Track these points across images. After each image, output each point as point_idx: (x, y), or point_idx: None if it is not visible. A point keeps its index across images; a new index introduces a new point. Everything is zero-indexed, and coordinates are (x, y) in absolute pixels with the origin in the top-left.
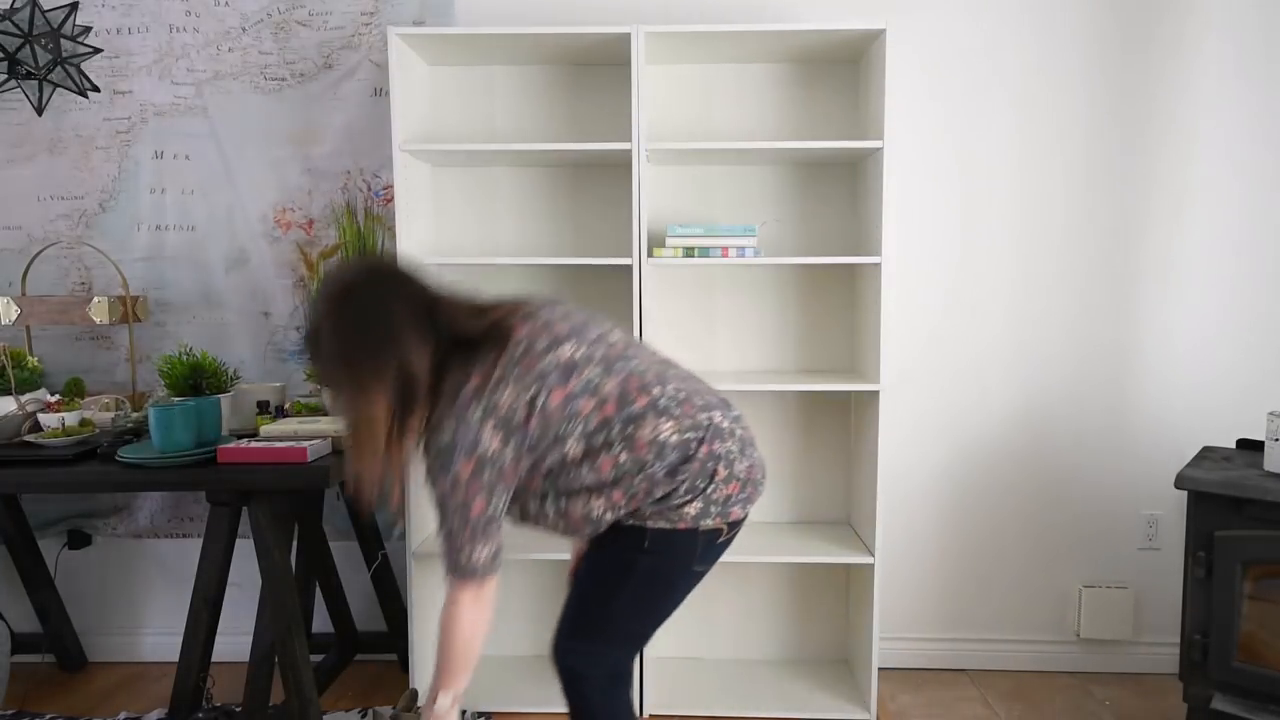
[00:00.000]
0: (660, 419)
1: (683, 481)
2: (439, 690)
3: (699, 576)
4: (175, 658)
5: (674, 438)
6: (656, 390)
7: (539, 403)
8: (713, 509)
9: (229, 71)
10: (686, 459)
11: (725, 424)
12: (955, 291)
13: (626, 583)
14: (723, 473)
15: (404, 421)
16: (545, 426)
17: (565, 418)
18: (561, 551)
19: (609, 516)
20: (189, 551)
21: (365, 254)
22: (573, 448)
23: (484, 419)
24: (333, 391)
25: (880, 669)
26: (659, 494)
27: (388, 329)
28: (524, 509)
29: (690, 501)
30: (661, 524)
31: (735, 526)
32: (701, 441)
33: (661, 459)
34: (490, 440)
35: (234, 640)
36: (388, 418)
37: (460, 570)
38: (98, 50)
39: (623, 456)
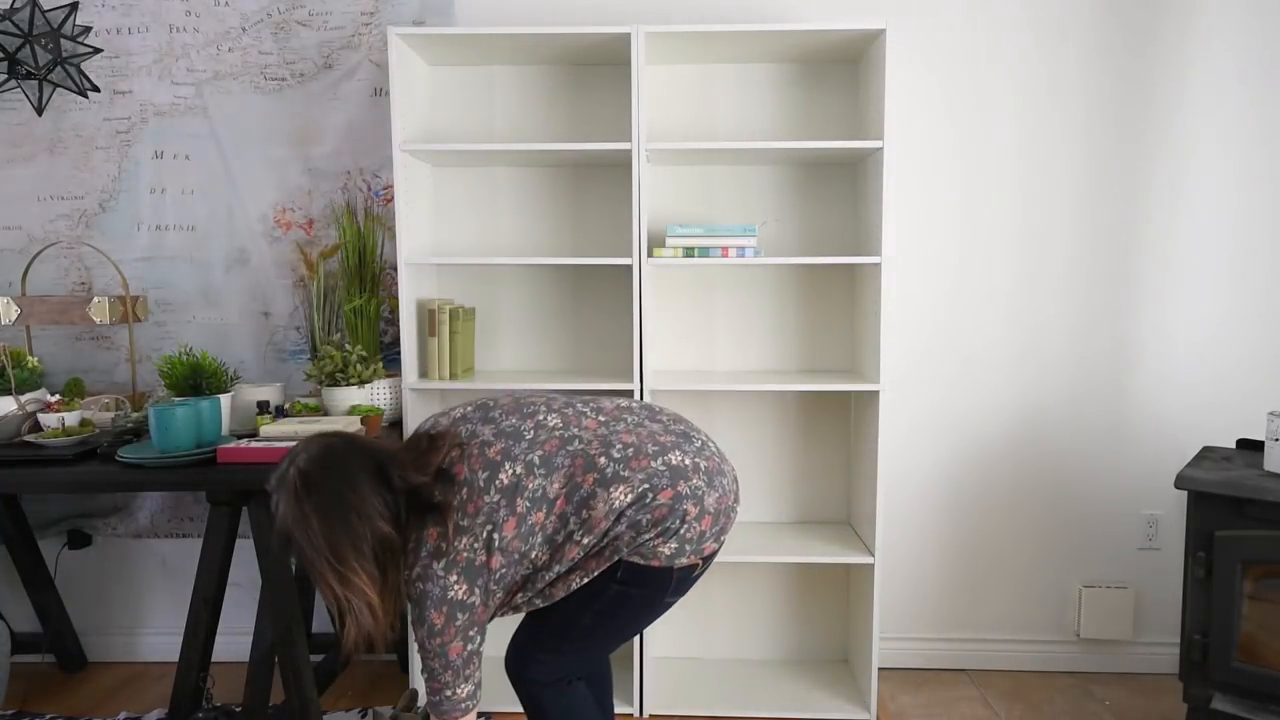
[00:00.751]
0: (610, 488)
1: (652, 527)
2: None
3: (669, 606)
4: (175, 658)
5: (629, 498)
6: (602, 461)
7: (495, 540)
8: (687, 547)
9: (229, 71)
10: (646, 508)
11: (686, 461)
12: (955, 291)
13: (594, 606)
14: (693, 510)
15: (388, 581)
16: (507, 556)
17: (523, 538)
18: None
19: (583, 583)
20: (189, 551)
21: (308, 439)
22: (539, 556)
23: (447, 570)
24: (318, 578)
25: (880, 669)
26: (631, 542)
27: (355, 509)
28: (511, 607)
29: (665, 541)
30: (635, 559)
31: (709, 560)
32: (660, 490)
33: (621, 521)
34: (458, 588)
35: (234, 640)
36: (375, 585)
37: (444, 707)
38: (98, 50)
39: (585, 539)
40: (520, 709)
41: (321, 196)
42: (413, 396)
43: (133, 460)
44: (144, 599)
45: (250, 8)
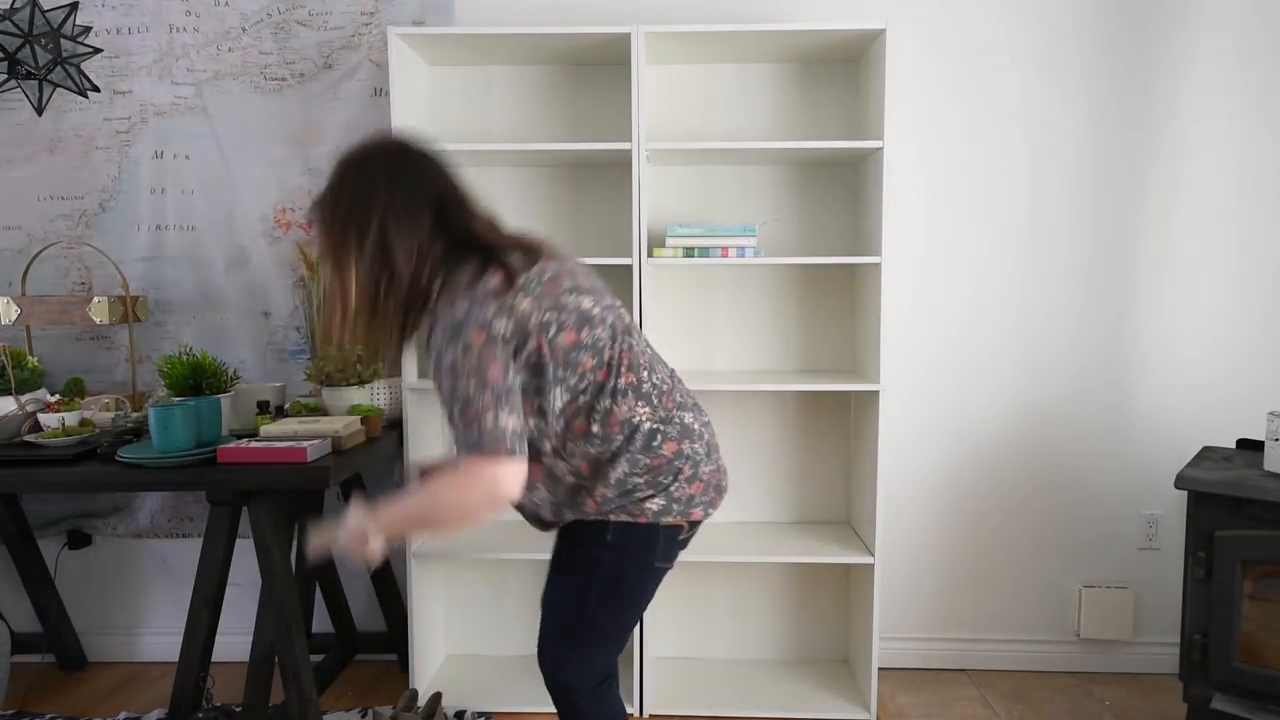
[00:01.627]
0: (639, 402)
1: (645, 474)
2: (380, 522)
3: (661, 574)
4: (175, 658)
5: (646, 425)
6: (644, 374)
7: (550, 333)
8: (675, 506)
9: (229, 71)
10: (650, 450)
11: (695, 426)
12: (955, 291)
13: (594, 584)
14: (688, 472)
15: (377, 307)
16: (545, 362)
17: (565, 364)
18: None
19: (569, 480)
20: (189, 551)
21: (392, 132)
22: (558, 399)
23: (499, 314)
24: (320, 249)
25: (880, 669)
26: (616, 477)
27: (376, 203)
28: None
29: (652, 497)
30: (623, 518)
31: (695, 526)
32: (670, 438)
33: (630, 444)
34: (505, 327)
35: (234, 640)
36: (362, 295)
37: (484, 439)
38: (98, 50)
39: (595, 428)
40: (520, 709)
41: None
42: (413, 396)
43: (133, 460)
44: (144, 599)
45: (250, 8)
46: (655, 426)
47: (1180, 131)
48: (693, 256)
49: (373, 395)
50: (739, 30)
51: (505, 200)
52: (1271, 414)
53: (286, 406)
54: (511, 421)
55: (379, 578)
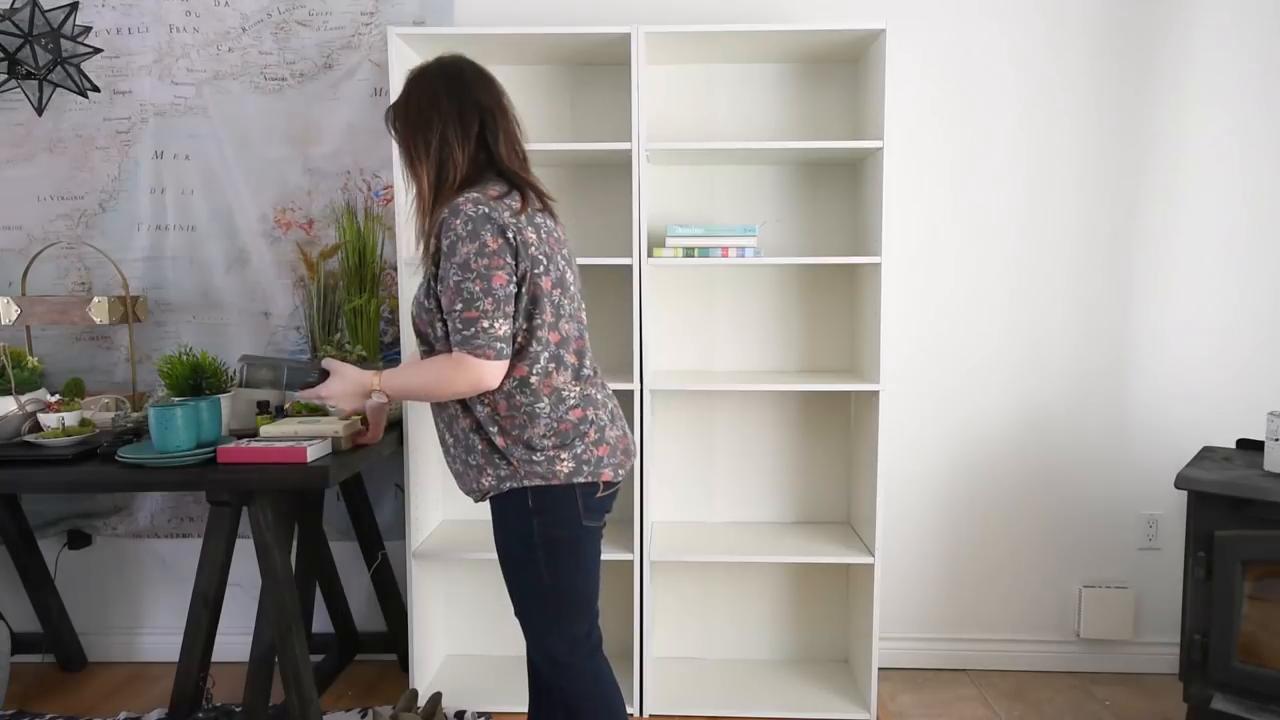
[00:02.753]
0: (572, 381)
1: (553, 435)
2: (382, 380)
3: (596, 533)
4: (175, 658)
5: (565, 395)
6: (585, 362)
7: (537, 269)
8: (584, 468)
9: (229, 71)
10: (560, 416)
11: (598, 396)
12: (955, 291)
13: (535, 554)
14: (593, 435)
15: (441, 195)
16: (523, 288)
17: (534, 299)
18: None
19: (480, 411)
20: (189, 551)
21: (457, 56)
22: (516, 320)
23: (513, 228)
24: (398, 152)
25: (880, 669)
26: (526, 436)
27: (436, 114)
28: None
29: (560, 459)
30: (537, 482)
31: (610, 487)
32: (575, 406)
33: (553, 409)
34: (514, 240)
35: (234, 640)
36: (430, 187)
37: (478, 339)
38: (98, 50)
39: (533, 379)
40: (520, 709)
41: (321, 196)
42: None
43: (133, 460)
44: (144, 599)
45: (250, 8)
46: (568, 395)
47: (1180, 130)
48: (693, 256)
49: (373, 395)
50: (739, 30)
51: None
52: (1271, 414)
53: (286, 406)
54: (504, 328)
55: (379, 578)
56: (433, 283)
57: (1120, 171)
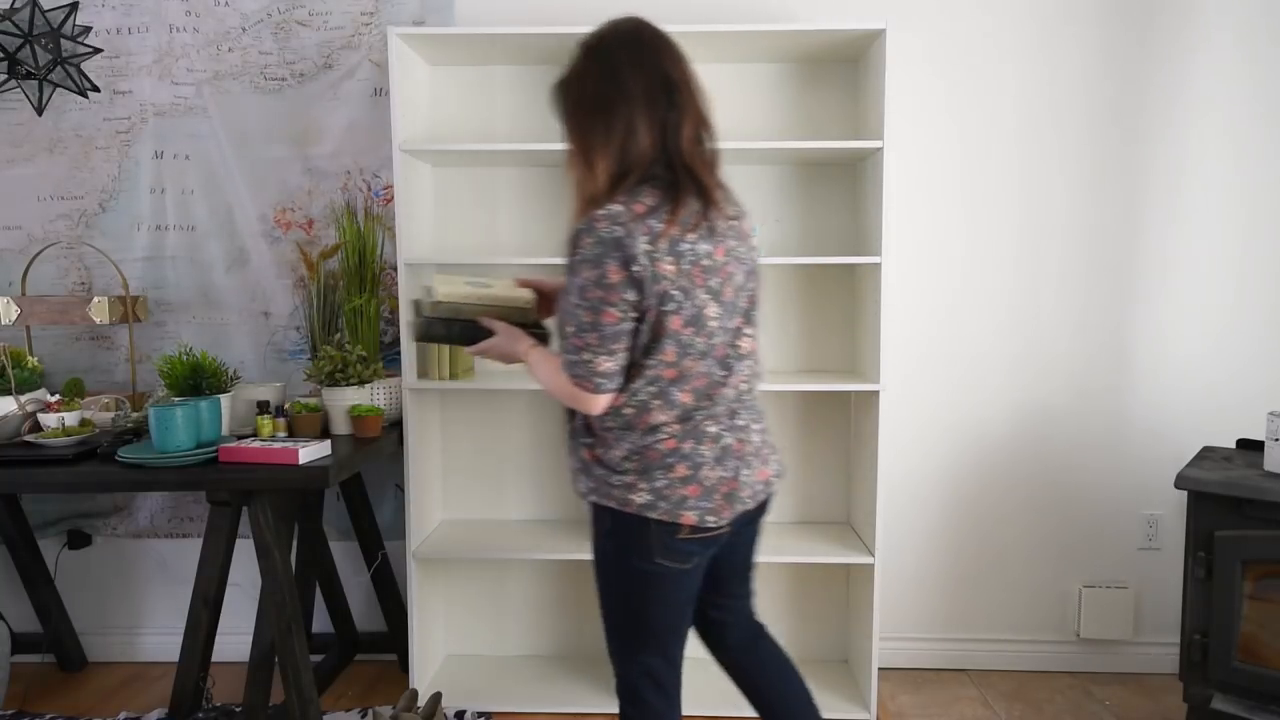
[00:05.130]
0: (676, 420)
1: (635, 460)
2: (528, 355)
3: (674, 575)
4: (175, 658)
5: (665, 431)
6: (713, 402)
7: (665, 307)
8: (661, 503)
9: (229, 71)
10: (646, 443)
11: (714, 430)
12: (955, 291)
13: (608, 577)
14: (682, 471)
15: (615, 190)
16: (642, 325)
17: (655, 337)
18: (561, 552)
19: (575, 421)
20: (189, 551)
21: (633, 18)
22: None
23: (645, 257)
24: (568, 138)
25: (880, 669)
26: (608, 456)
27: (619, 93)
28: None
29: (636, 488)
30: (612, 504)
31: (699, 532)
32: (672, 435)
33: (640, 436)
34: (641, 273)
35: (234, 640)
36: (608, 174)
37: (578, 370)
38: (98, 50)
39: (627, 410)
40: (520, 709)
41: (321, 196)
42: (412, 396)
43: (133, 460)
44: (144, 599)
45: (250, 8)
46: (665, 422)
47: (1180, 130)
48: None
49: (373, 395)
50: (739, 30)
51: (506, 200)
52: (1271, 414)
53: (286, 406)
54: (608, 364)
55: (379, 578)
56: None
57: (1120, 171)
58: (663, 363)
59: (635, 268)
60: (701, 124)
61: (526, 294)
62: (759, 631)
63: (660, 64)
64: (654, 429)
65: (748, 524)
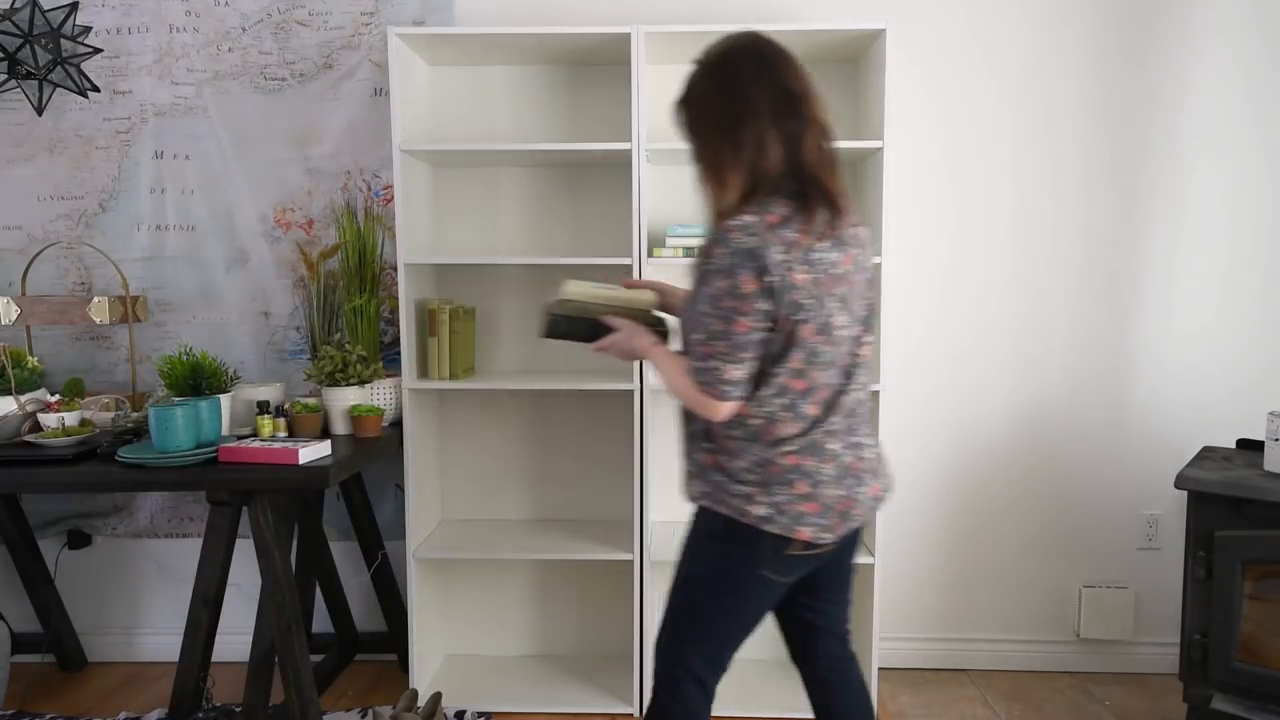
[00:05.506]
0: (800, 434)
1: (757, 472)
2: (650, 351)
3: (774, 587)
4: (175, 658)
5: (790, 445)
6: (834, 414)
7: (798, 317)
8: (780, 518)
9: (229, 71)
10: (776, 455)
11: (834, 447)
12: (955, 291)
13: (702, 573)
14: (803, 488)
15: (749, 203)
16: (773, 334)
17: (780, 349)
18: (561, 552)
19: (696, 426)
20: (189, 551)
21: (751, 33)
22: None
23: (779, 267)
24: (696, 155)
25: (880, 669)
26: (730, 465)
27: (746, 108)
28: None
29: (755, 500)
30: (728, 512)
31: (812, 548)
32: (795, 451)
33: (764, 449)
34: (774, 283)
35: (234, 640)
36: (738, 189)
37: (705, 378)
38: (98, 50)
39: (754, 421)
40: (520, 709)
41: (321, 196)
42: (412, 396)
43: (133, 460)
44: (144, 599)
45: (250, 8)
46: (790, 436)
47: (1180, 131)
48: (693, 256)
49: (373, 395)
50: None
51: (505, 200)
52: (1271, 414)
53: (286, 406)
54: (736, 372)
55: (379, 578)
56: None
57: (1120, 171)
58: (791, 370)
59: (769, 278)
60: (823, 133)
61: (649, 295)
62: (851, 655)
63: (781, 77)
64: (778, 442)
65: (852, 533)
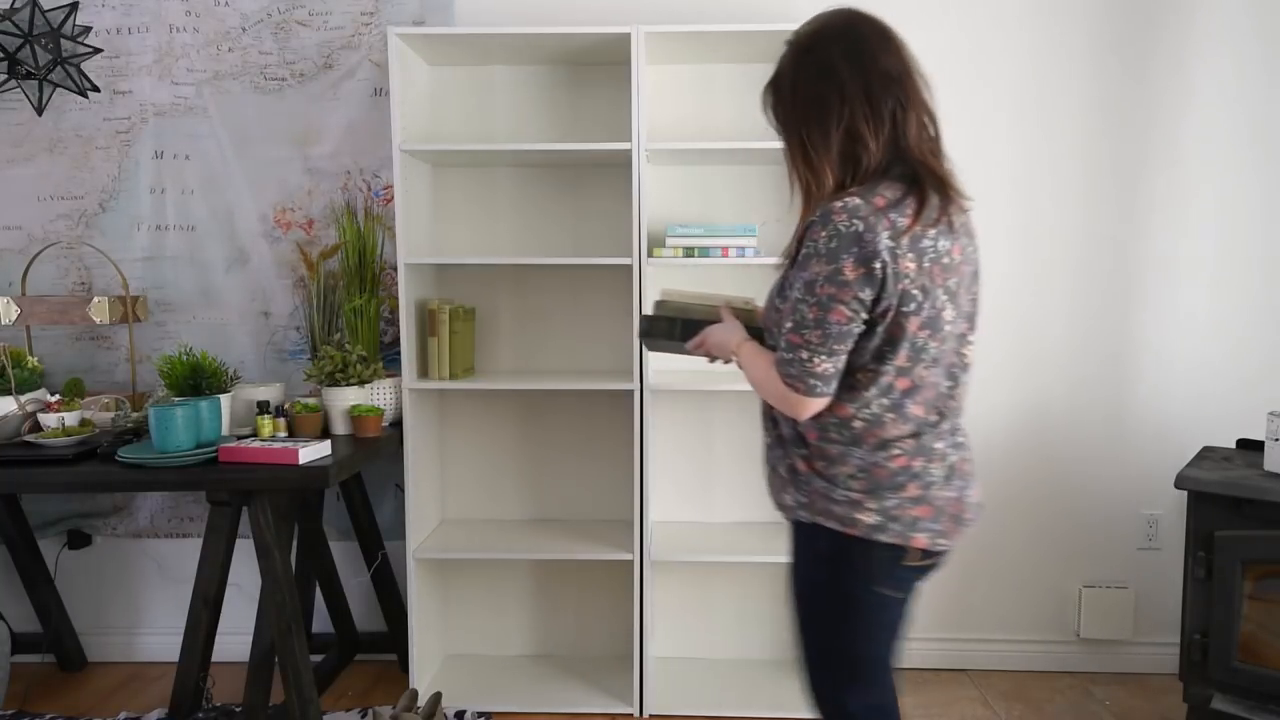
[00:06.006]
0: (909, 435)
1: (863, 477)
2: (740, 349)
3: (895, 604)
4: (175, 658)
5: (897, 448)
6: (941, 416)
7: (905, 308)
8: (893, 525)
9: (229, 71)
10: (878, 458)
11: (940, 447)
12: None
13: (822, 602)
14: (913, 490)
15: (845, 180)
16: (876, 328)
17: (888, 341)
18: (560, 552)
19: (787, 431)
20: (189, 551)
21: (848, 10)
22: (851, 357)
23: (884, 255)
24: (785, 142)
25: None
26: (831, 471)
27: (836, 92)
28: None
29: (864, 507)
30: (833, 524)
31: (929, 556)
32: (904, 452)
33: (870, 452)
34: (879, 273)
35: (234, 640)
36: (833, 174)
37: (793, 370)
38: (98, 50)
39: (857, 423)
40: (520, 709)
41: (321, 196)
42: (412, 396)
43: (133, 460)
44: (144, 599)
45: (250, 8)
46: (897, 438)
47: (1180, 130)
48: (693, 256)
49: (373, 395)
50: (739, 30)
51: (505, 200)
52: (1271, 414)
53: (286, 406)
54: (826, 365)
55: (379, 578)
56: (785, 286)
57: (1120, 171)
58: (896, 369)
59: (877, 263)
60: (927, 114)
61: (750, 299)
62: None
63: (877, 57)
64: (885, 444)
65: None
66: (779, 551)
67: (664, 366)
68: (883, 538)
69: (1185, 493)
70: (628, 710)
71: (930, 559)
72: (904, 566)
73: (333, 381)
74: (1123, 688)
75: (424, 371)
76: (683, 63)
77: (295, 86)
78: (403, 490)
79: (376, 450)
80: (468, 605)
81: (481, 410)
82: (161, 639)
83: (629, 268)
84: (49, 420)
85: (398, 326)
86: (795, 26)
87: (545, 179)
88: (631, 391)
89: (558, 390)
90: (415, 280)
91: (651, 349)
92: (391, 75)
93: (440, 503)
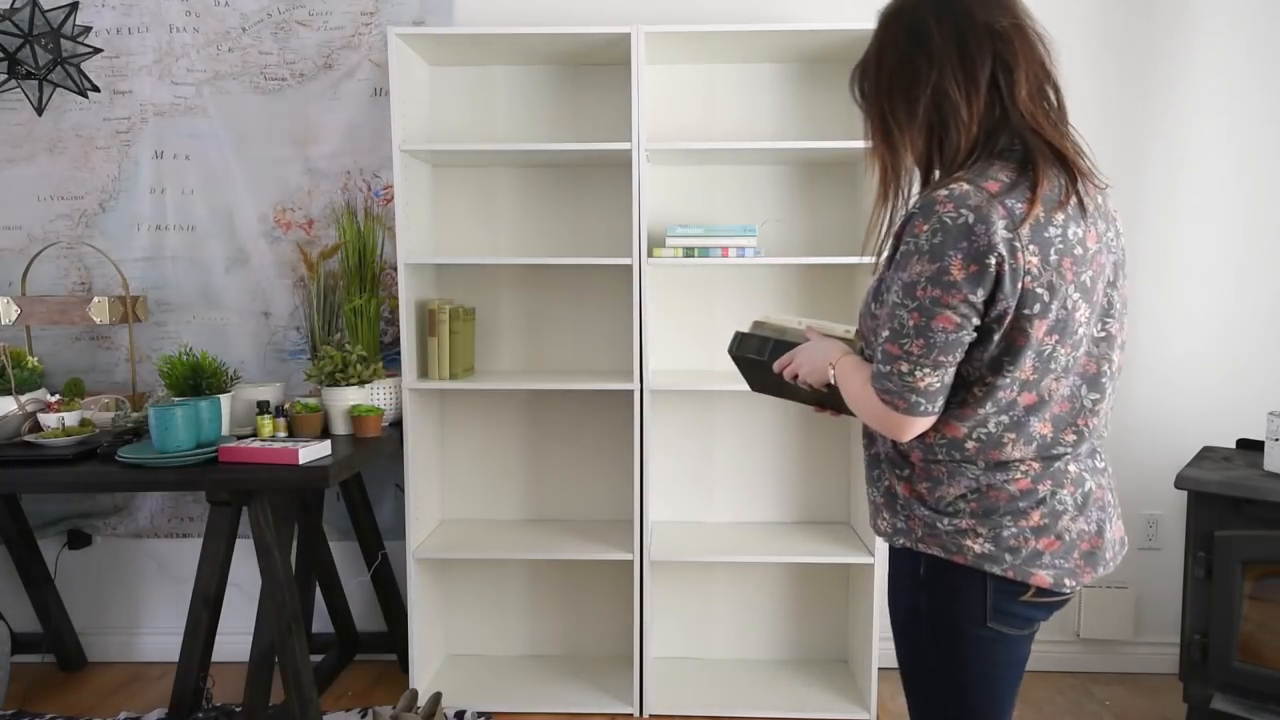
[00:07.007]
0: (1034, 457)
1: (974, 500)
2: (837, 367)
3: (1008, 642)
4: (175, 658)
5: (1021, 469)
6: (1075, 433)
7: (1028, 311)
8: (1007, 556)
9: (229, 71)
10: (994, 479)
11: (1076, 470)
12: None
13: (923, 635)
14: (1037, 519)
15: (931, 174)
16: (991, 335)
17: (1009, 350)
18: (561, 551)
19: (884, 449)
20: (189, 551)
21: None
22: (960, 367)
23: (999, 249)
24: (869, 123)
25: (880, 669)
26: (936, 493)
27: (924, 57)
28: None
29: (974, 533)
30: (935, 551)
31: (1051, 595)
32: (1027, 475)
33: (987, 472)
34: (993, 270)
35: (234, 640)
36: (920, 158)
37: (890, 386)
38: (98, 50)
39: (970, 444)
40: (520, 709)
41: (321, 196)
42: (412, 396)
43: (133, 460)
44: (144, 599)
45: (250, 8)
46: (1019, 459)
47: (1179, 129)
48: (693, 256)
49: (373, 395)
50: (739, 30)
51: (505, 200)
52: (1271, 414)
53: (286, 406)
54: (930, 380)
55: (379, 578)
56: (881, 289)
57: (1119, 170)
58: (1018, 381)
59: (993, 258)
60: (1042, 76)
61: (851, 327)
62: None
63: (975, 13)
64: (1003, 466)
65: None
66: (779, 551)
67: (663, 367)
68: (994, 569)
69: (1185, 493)
70: (627, 710)
71: (1054, 597)
72: (1021, 603)
73: (333, 381)
74: (1123, 688)
75: (424, 371)
76: (683, 63)
77: (295, 86)
78: (403, 490)
79: (376, 450)
80: (468, 605)
81: (481, 410)
82: (161, 639)
83: (629, 268)
84: (49, 420)
85: (398, 326)
86: (795, 26)
87: (545, 179)
88: (631, 391)
89: (558, 390)
90: (415, 280)
91: (744, 374)
92: (391, 75)
93: (440, 503)
